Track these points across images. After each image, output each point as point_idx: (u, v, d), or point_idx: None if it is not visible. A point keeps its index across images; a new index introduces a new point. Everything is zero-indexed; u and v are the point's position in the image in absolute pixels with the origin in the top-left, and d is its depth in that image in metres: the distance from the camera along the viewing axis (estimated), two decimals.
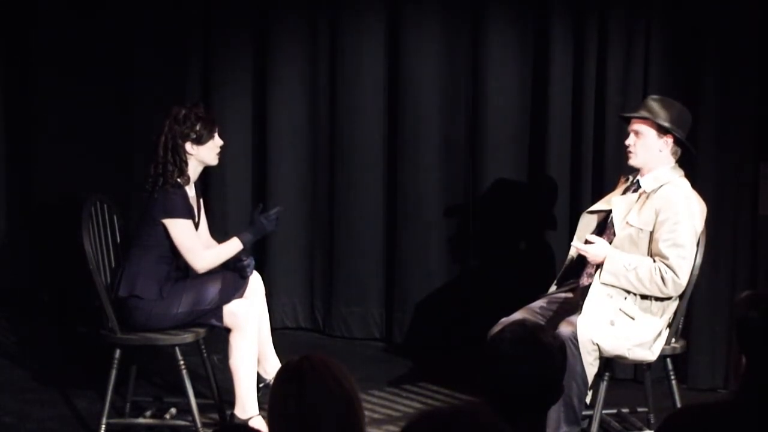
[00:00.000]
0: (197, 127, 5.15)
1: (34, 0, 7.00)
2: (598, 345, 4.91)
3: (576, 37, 6.28)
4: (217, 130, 5.24)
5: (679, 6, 6.07)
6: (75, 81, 6.90)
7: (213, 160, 5.27)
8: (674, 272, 4.97)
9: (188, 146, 5.16)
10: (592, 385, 4.99)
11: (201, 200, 5.40)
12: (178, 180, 5.14)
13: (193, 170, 5.22)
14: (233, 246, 5.26)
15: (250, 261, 5.30)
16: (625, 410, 5.53)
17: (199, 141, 5.17)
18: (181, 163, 5.14)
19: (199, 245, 5.18)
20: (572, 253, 5.32)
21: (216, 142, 5.23)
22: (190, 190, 5.24)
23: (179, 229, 5.13)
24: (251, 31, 6.84)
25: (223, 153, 6.81)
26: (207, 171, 6.86)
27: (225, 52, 6.85)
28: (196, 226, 5.30)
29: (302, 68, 6.80)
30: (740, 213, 6.03)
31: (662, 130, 5.07)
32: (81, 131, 6.88)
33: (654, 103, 5.12)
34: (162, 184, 5.12)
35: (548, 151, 6.38)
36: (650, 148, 5.09)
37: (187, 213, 5.16)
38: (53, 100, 7.00)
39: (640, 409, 5.50)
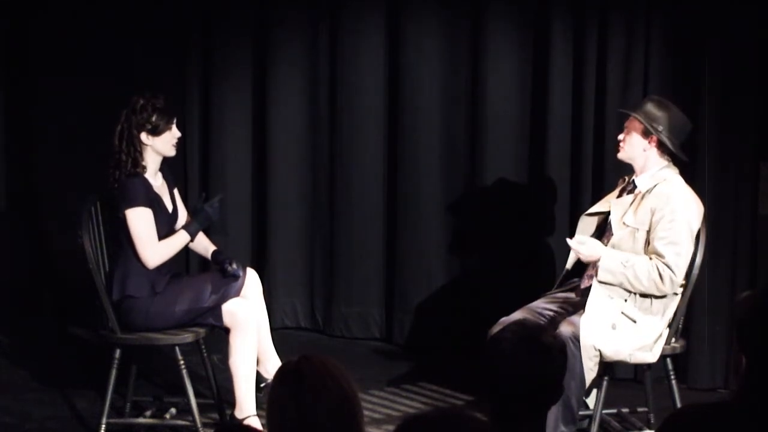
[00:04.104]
0: (153, 118, 5.13)
1: (33, 3, 7.01)
2: (599, 350, 4.92)
3: (576, 36, 6.28)
4: (174, 121, 5.21)
5: (680, 6, 6.07)
6: (74, 82, 6.88)
7: (169, 152, 5.22)
8: (671, 270, 4.97)
9: (143, 136, 5.13)
10: (593, 385, 4.99)
11: (175, 190, 5.38)
12: (134, 170, 5.11)
13: (151, 161, 5.18)
14: (181, 238, 5.23)
15: (235, 268, 5.27)
16: (625, 410, 5.53)
17: (155, 132, 5.14)
18: (135, 153, 5.11)
19: (154, 237, 5.12)
20: (569, 265, 5.32)
21: (173, 134, 5.19)
22: (155, 180, 5.21)
23: (135, 217, 5.08)
24: (251, 31, 6.84)
25: (223, 152, 6.90)
26: (207, 170, 6.93)
27: (225, 52, 6.85)
28: (173, 217, 5.29)
29: (302, 68, 6.80)
30: (740, 213, 6.03)
31: (648, 131, 5.09)
32: (81, 131, 6.86)
33: (649, 103, 5.16)
34: (118, 177, 5.11)
35: (548, 151, 6.38)
36: (634, 146, 5.13)
37: (146, 201, 5.11)
38: (53, 100, 6.99)
39: (640, 409, 5.50)
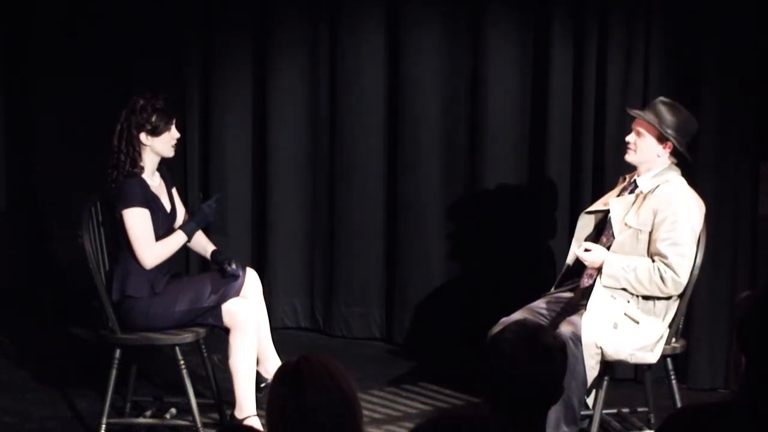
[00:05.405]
0: (153, 119, 5.13)
1: (33, 4, 7.01)
2: (601, 348, 4.91)
3: (576, 37, 6.28)
4: (174, 122, 5.21)
5: (679, 6, 6.07)
6: (74, 82, 6.89)
7: (168, 152, 5.22)
8: (674, 271, 4.97)
9: (143, 137, 5.13)
10: (593, 384, 4.99)
11: (173, 189, 5.38)
12: (132, 170, 5.11)
13: (150, 161, 5.18)
14: (178, 238, 5.23)
15: (234, 268, 5.27)
16: (625, 410, 5.53)
17: (155, 132, 5.14)
18: (134, 153, 5.11)
19: (150, 238, 5.12)
20: (569, 260, 5.32)
21: (172, 135, 5.19)
22: (152, 180, 5.21)
23: (132, 218, 5.08)
24: (251, 31, 6.84)
25: (223, 152, 6.90)
26: (207, 171, 6.93)
27: (225, 52, 6.85)
28: (172, 216, 5.29)
29: (302, 69, 6.80)
30: (740, 213, 6.03)
31: (663, 137, 5.08)
32: (81, 131, 6.87)
33: (662, 107, 5.11)
34: (116, 177, 5.11)
35: (548, 151, 6.37)
36: (648, 151, 5.10)
37: (144, 202, 5.11)
38: (53, 101, 7.00)
39: (640, 409, 5.50)
